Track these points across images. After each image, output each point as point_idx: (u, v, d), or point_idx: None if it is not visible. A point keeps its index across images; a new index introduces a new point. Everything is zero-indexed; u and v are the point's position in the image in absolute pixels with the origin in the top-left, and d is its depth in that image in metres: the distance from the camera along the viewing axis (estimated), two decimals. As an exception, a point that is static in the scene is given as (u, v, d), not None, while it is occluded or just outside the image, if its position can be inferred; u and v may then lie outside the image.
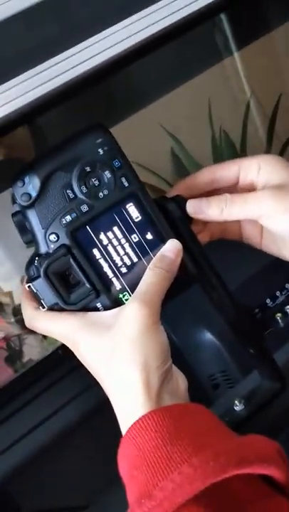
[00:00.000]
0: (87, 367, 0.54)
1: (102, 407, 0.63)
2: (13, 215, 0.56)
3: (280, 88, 1.48)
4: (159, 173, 1.44)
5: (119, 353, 0.51)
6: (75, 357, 0.56)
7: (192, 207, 0.58)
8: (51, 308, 0.55)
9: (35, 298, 0.56)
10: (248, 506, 0.45)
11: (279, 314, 0.79)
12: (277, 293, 0.82)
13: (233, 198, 0.57)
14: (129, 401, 0.50)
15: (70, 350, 0.56)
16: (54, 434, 0.78)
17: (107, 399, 0.53)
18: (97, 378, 0.54)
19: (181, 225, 0.57)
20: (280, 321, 0.79)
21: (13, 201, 0.56)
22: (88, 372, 0.55)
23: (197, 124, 1.47)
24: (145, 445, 0.47)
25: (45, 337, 0.96)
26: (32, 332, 0.91)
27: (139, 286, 0.54)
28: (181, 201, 0.58)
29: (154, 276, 0.54)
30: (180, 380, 0.54)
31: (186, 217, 0.58)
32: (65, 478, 0.78)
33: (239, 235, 0.63)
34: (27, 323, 0.58)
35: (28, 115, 0.54)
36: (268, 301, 0.81)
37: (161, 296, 0.54)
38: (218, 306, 0.62)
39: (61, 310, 0.55)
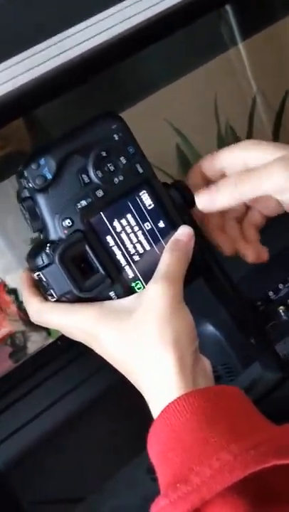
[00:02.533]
0: (107, 357, 0.53)
1: (100, 399, 0.62)
2: (23, 200, 0.54)
3: (288, 83, 1.48)
4: (165, 169, 1.44)
5: (148, 334, 0.50)
6: (74, 348, 0.55)
7: (202, 202, 0.56)
8: (60, 299, 0.53)
9: (40, 290, 0.54)
10: (284, 499, 0.44)
11: (282, 307, 0.78)
12: (280, 285, 0.81)
13: (242, 178, 0.55)
14: (163, 381, 0.49)
15: (70, 341, 0.55)
16: (53, 425, 0.77)
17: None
18: (119, 367, 0.52)
19: (183, 213, 0.57)
20: (282, 314, 0.78)
21: (21, 187, 0.54)
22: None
23: (203, 119, 1.47)
24: (181, 427, 0.46)
25: (49, 333, 0.95)
26: (36, 329, 0.90)
27: (158, 268, 0.53)
28: (182, 187, 0.57)
29: (172, 257, 0.53)
30: (206, 362, 0.53)
31: (187, 203, 0.57)
32: (63, 469, 0.77)
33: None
34: (34, 318, 0.55)
35: (18, 104, 0.53)
36: (270, 293, 0.80)
37: (182, 276, 0.53)
38: (221, 297, 0.61)
39: (70, 302, 0.53)
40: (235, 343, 0.76)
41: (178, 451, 0.45)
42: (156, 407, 0.49)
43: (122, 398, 0.60)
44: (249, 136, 1.44)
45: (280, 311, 0.78)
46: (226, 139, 1.44)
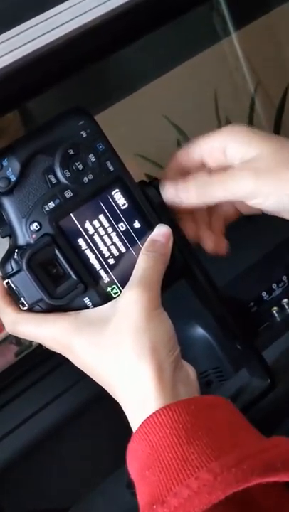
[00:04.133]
0: (83, 368, 0.51)
1: (86, 408, 0.60)
2: None
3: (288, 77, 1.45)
4: (165, 165, 1.41)
5: (123, 344, 0.48)
6: (57, 354, 0.52)
7: (168, 193, 0.54)
8: (32, 307, 0.51)
9: (13, 298, 0.52)
10: None
11: (275, 308, 0.76)
12: (274, 286, 0.78)
13: (212, 181, 0.53)
14: (140, 393, 0.47)
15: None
16: (36, 436, 0.75)
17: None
18: (96, 379, 0.50)
19: (161, 212, 0.54)
20: (276, 315, 0.75)
21: None
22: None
23: (203, 115, 1.45)
24: (159, 443, 0.43)
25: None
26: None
27: (134, 272, 0.51)
28: (160, 186, 0.55)
29: (149, 260, 0.51)
30: (189, 369, 0.50)
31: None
32: (48, 480, 0.76)
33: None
34: (9, 329, 0.53)
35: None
36: (263, 294, 0.78)
37: (159, 280, 0.50)
38: (203, 300, 0.58)
39: (44, 311, 0.51)
40: (226, 347, 0.73)
41: (156, 469, 0.42)
42: (134, 420, 0.47)
43: (106, 408, 0.58)
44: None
45: (274, 312, 0.75)
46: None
